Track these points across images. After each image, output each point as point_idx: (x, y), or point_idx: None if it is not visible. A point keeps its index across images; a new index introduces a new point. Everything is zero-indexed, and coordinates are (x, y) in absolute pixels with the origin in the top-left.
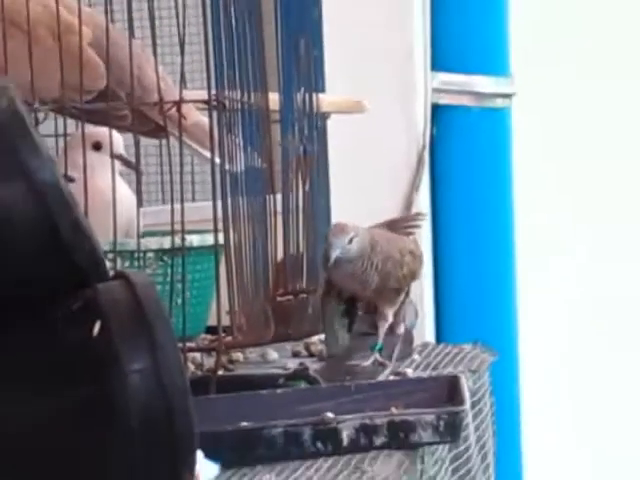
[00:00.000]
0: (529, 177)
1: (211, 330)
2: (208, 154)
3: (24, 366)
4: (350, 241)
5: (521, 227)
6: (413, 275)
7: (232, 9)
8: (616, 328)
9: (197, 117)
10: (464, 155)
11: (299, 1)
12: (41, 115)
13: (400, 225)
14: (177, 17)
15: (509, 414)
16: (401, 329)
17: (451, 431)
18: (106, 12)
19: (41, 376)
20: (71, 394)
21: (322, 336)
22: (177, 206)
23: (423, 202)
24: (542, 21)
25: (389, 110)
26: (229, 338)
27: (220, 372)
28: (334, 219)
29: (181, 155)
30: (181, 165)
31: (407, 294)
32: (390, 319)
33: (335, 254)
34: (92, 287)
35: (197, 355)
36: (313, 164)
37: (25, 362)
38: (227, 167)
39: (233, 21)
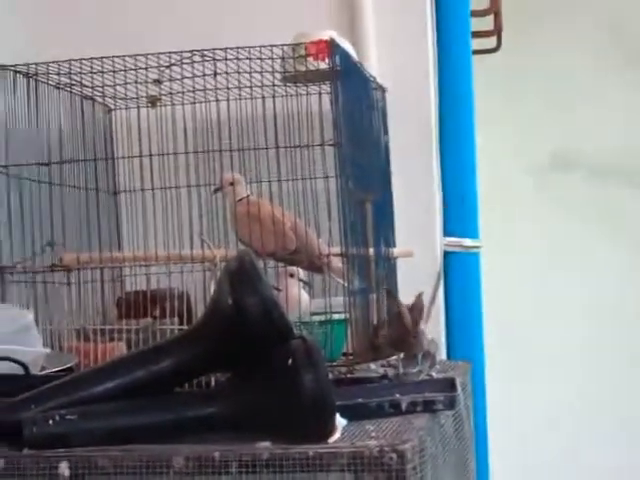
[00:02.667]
0: (490, 282)
1: (344, 355)
2: (341, 280)
3: (262, 376)
4: None
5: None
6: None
7: (351, 210)
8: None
9: (336, 262)
10: (458, 273)
11: (384, 214)
12: (265, 262)
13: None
14: (328, 212)
15: (480, 394)
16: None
17: (452, 404)
18: (295, 215)
19: (268, 380)
20: (278, 388)
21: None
22: (328, 299)
23: (441, 296)
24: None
25: (424, 255)
26: (352, 359)
27: (348, 375)
28: None
29: (329, 278)
30: (329, 282)
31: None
32: (421, 352)
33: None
34: (288, 342)
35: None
36: (390, 281)
37: (259, 374)
38: (350, 286)
39: (352, 217)
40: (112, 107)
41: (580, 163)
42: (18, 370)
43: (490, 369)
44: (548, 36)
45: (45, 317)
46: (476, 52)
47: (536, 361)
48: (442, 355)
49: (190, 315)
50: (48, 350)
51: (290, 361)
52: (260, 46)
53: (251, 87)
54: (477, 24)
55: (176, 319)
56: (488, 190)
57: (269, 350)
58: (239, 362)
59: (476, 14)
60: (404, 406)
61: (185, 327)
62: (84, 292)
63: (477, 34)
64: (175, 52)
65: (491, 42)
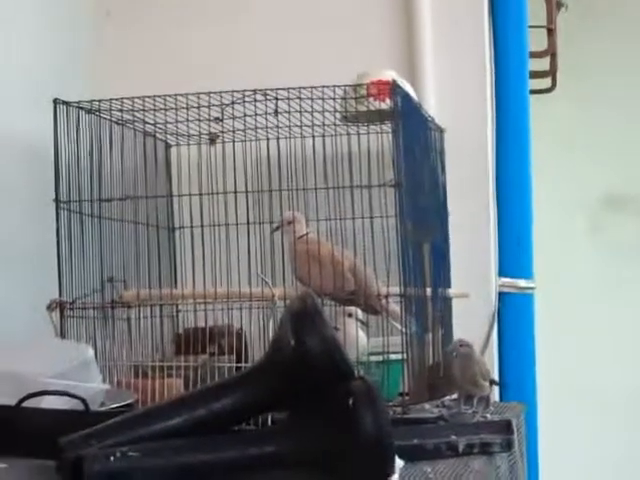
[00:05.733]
0: (543, 321)
1: (400, 394)
2: (398, 325)
3: (322, 416)
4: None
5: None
6: (484, 377)
7: (410, 251)
8: None
9: (394, 306)
10: (512, 314)
11: (440, 254)
12: (324, 301)
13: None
14: (387, 252)
15: (533, 435)
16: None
17: (507, 446)
18: (355, 254)
19: (329, 420)
20: (338, 429)
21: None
22: (385, 339)
23: (495, 335)
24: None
25: (479, 296)
26: (407, 399)
27: (403, 415)
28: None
29: (387, 321)
30: (387, 325)
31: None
32: (478, 395)
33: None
34: (348, 382)
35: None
36: (445, 321)
37: (319, 414)
38: (406, 329)
39: (411, 257)
40: (172, 144)
41: (635, 204)
42: (77, 406)
43: (543, 411)
44: (603, 76)
45: (103, 353)
46: (532, 92)
47: (589, 404)
48: (495, 396)
49: (246, 353)
50: (108, 386)
51: (351, 402)
52: (322, 86)
53: (312, 126)
54: (532, 64)
55: (233, 356)
56: (543, 231)
57: (329, 390)
58: (300, 401)
59: (534, 55)
60: (461, 448)
61: (241, 365)
62: (143, 328)
63: (533, 74)
64: (237, 90)
65: (546, 82)
